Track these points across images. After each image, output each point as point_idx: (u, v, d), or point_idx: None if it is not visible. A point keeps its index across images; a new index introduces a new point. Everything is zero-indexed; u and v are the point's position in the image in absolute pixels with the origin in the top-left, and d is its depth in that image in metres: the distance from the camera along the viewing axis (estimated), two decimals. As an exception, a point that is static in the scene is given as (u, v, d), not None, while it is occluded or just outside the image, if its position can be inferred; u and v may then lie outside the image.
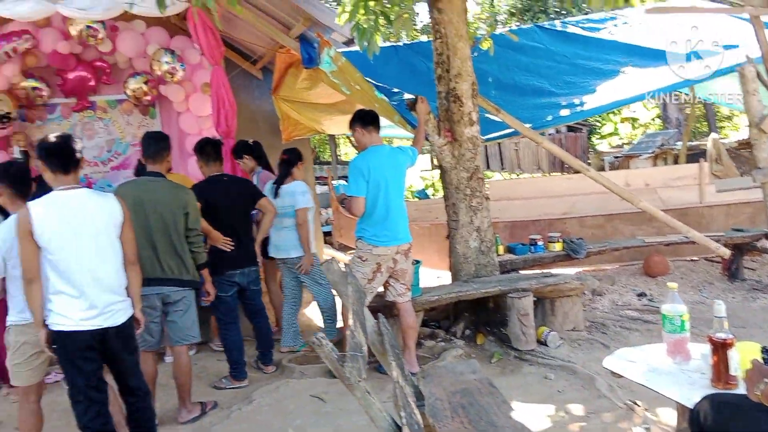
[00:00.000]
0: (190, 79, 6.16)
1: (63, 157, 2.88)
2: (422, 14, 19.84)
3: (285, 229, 4.80)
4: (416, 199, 12.25)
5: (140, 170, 4.52)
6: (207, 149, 4.45)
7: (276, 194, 4.78)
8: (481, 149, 4.81)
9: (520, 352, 4.33)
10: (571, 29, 5.82)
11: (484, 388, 2.55)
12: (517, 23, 14.34)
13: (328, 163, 13.63)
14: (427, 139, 4.60)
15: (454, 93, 4.51)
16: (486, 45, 4.70)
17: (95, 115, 6.48)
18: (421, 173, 18.42)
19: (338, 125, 6.68)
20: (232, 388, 4.40)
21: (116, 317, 2.94)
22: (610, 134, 16.22)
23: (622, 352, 2.56)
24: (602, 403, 3.46)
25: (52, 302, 2.85)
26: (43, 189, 3.37)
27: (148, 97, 6.24)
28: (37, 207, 2.81)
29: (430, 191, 15.06)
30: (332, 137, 12.26)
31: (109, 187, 5.92)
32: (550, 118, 5.30)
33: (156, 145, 3.81)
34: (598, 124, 18.51)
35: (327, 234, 9.27)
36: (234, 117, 5.02)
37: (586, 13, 11.91)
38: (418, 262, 4.56)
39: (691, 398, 2.02)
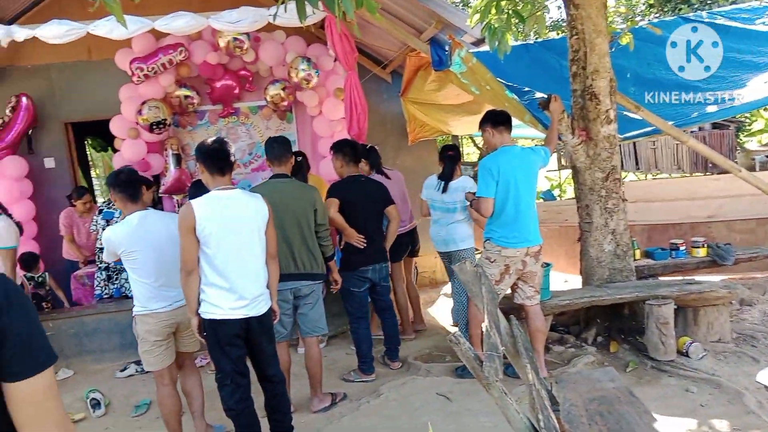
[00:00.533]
0: (323, 85, 6.45)
1: (220, 159, 3.14)
2: (552, 11, 19.29)
3: (455, 223, 4.81)
4: (542, 200, 11.92)
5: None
6: (346, 150, 4.61)
7: (444, 190, 4.80)
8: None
9: (658, 363, 4.09)
10: (720, 20, 5.39)
11: (623, 397, 2.46)
12: (656, 15, 13.50)
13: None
14: (559, 138, 4.48)
15: (591, 90, 4.35)
16: (625, 40, 4.48)
17: (238, 120, 6.97)
18: (547, 174, 17.90)
19: (465, 126, 6.68)
20: (360, 381, 4.55)
21: (259, 307, 3.17)
22: (761, 131, 14.80)
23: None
24: (750, 420, 3.20)
25: (205, 293, 3.11)
26: (198, 190, 3.69)
27: (285, 103, 6.62)
28: (199, 205, 3.07)
29: (556, 192, 14.59)
30: (455, 138, 12.25)
31: (248, 188, 6.31)
32: (695, 114, 4.95)
33: (280, 148, 3.94)
34: (746, 120, 16.96)
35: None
36: (365, 120, 5.19)
37: (733, 2, 10.98)
38: (548, 264, 4.46)
39: None
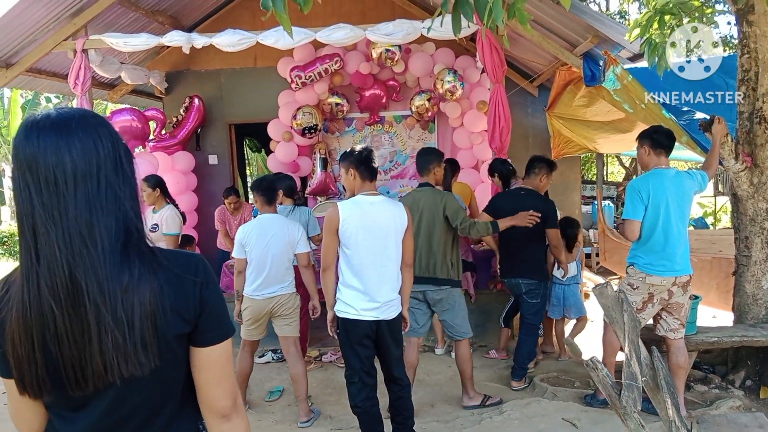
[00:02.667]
0: (467, 97, 6.52)
1: (369, 167, 3.31)
2: (721, 26, 17.89)
3: None
4: (693, 228, 11.09)
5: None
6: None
7: None
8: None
9: (819, 418, 3.69)
10: None
11: (776, 448, 2.27)
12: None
13: (593, 182, 13.09)
14: (720, 163, 4.18)
15: (761, 113, 4.01)
16: (804, 60, 4.09)
17: (383, 128, 7.23)
18: (700, 200, 16.60)
19: (613, 144, 6.44)
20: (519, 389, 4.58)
21: (390, 312, 3.29)
22: None
23: None
24: None
25: (341, 292, 3.29)
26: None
27: (429, 113, 6.77)
28: (345, 207, 3.26)
29: (709, 220, 13.49)
30: (600, 156, 11.75)
31: (387, 194, 6.52)
32: None
33: (420, 159, 4.22)
34: None
35: (587, 256, 8.94)
36: (508, 134, 5.17)
37: None
38: (697, 297, 4.17)
39: None
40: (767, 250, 4.18)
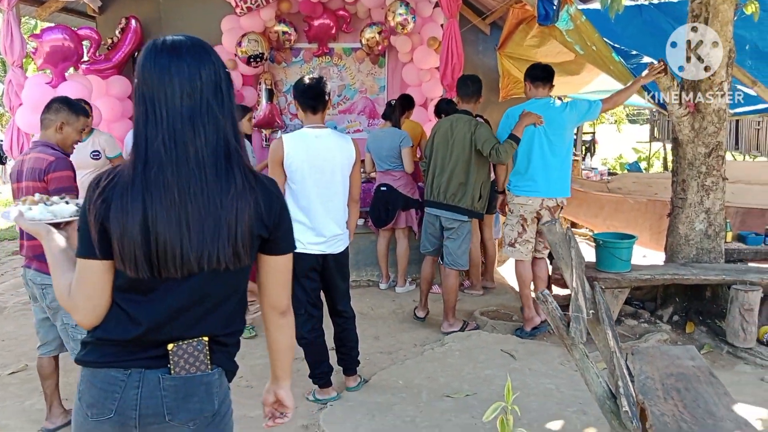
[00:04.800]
0: (419, 32, 6.39)
1: (313, 98, 3.20)
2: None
3: None
4: (627, 171, 11.50)
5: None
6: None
7: None
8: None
9: (735, 349, 3.99)
10: None
11: (703, 376, 2.43)
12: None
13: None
14: (663, 107, 4.29)
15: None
16: (750, 9, 4.17)
17: (332, 61, 7.02)
18: (635, 145, 17.16)
19: (561, 86, 6.47)
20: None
21: (337, 246, 3.30)
22: None
23: None
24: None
25: None
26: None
27: (380, 47, 6.60)
28: (289, 140, 3.18)
29: (644, 165, 14.00)
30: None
31: (335, 129, 6.40)
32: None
33: (466, 85, 4.38)
34: None
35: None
36: (460, 71, 5.11)
37: None
38: (633, 237, 4.36)
39: None
40: (702, 193, 4.37)
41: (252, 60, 6.31)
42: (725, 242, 4.65)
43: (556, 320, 1.82)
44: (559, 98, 4.61)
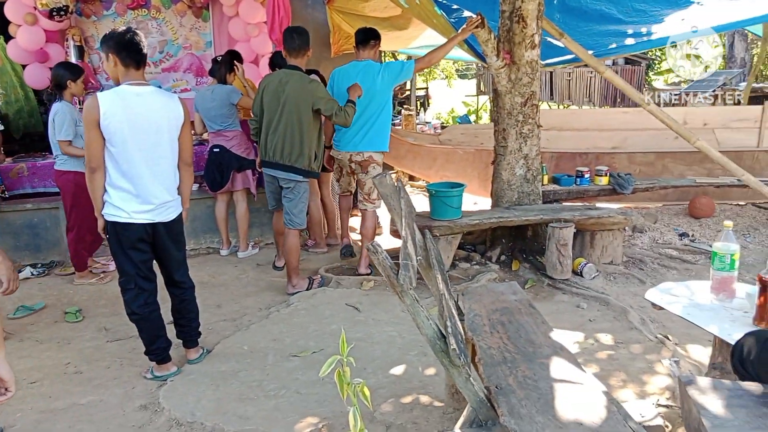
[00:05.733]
0: (243, -17, 6.07)
1: (136, 51, 2.92)
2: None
3: None
4: (459, 124, 12.08)
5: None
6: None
7: None
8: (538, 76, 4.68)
9: (555, 281, 4.39)
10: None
11: (524, 309, 2.63)
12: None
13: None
14: (483, 60, 4.49)
15: (519, 13, 4.34)
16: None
17: (149, 14, 6.48)
18: (464, 98, 18.08)
19: (391, 42, 6.56)
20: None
21: (168, 213, 3.09)
22: (668, 71, 15.53)
23: (665, 285, 2.58)
24: (632, 335, 3.52)
25: (109, 194, 2.97)
26: None
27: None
28: (105, 98, 2.87)
29: (473, 117, 14.80)
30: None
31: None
32: (614, 46, 5.09)
33: (291, 38, 4.19)
34: (657, 59, 17.69)
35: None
36: (288, 25, 4.96)
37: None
38: (462, 185, 4.58)
39: (731, 334, 2.05)
40: (521, 140, 4.69)
41: (55, 13, 5.64)
42: (542, 185, 5.06)
43: (387, 270, 1.84)
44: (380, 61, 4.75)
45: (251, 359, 3.42)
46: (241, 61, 5.37)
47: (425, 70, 13.56)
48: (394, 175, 3.72)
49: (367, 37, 4.51)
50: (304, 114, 4.12)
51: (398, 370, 3.20)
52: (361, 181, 4.65)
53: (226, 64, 5.05)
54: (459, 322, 2.24)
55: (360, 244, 5.16)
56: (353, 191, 5.09)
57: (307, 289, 4.46)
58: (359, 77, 4.40)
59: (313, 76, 4.42)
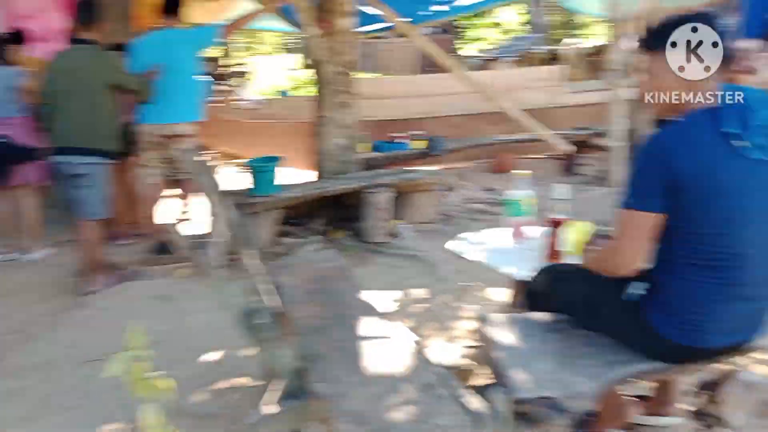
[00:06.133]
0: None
1: None
2: None
3: None
4: (282, 97, 11.91)
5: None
6: None
7: None
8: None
9: (374, 245, 4.52)
10: None
11: (339, 275, 2.67)
12: None
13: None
14: (300, 29, 4.44)
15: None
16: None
17: None
18: (288, 73, 17.86)
19: (203, 14, 6.25)
20: None
21: None
22: (476, 39, 16.60)
23: (463, 235, 2.78)
24: (441, 286, 3.78)
25: None
26: None
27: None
28: None
29: (302, 92, 14.65)
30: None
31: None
32: (430, 11, 5.19)
33: (86, 12, 3.84)
34: (464, 29, 18.77)
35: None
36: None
37: None
38: (274, 158, 4.49)
39: (521, 272, 2.24)
40: (338, 109, 4.72)
41: None
42: (363, 153, 5.17)
43: (187, 250, 1.76)
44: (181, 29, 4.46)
45: (42, 372, 2.99)
46: (22, 38, 4.77)
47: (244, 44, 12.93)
48: (205, 153, 3.56)
49: (169, 4, 4.25)
50: (98, 91, 3.79)
51: (215, 356, 3.05)
52: (172, 156, 4.30)
53: (8, 43, 4.46)
54: (274, 297, 2.22)
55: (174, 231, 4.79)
56: (163, 175, 4.55)
57: (111, 287, 3.96)
58: (161, 47, 4.12)
59: (113, 53, 4.07)
